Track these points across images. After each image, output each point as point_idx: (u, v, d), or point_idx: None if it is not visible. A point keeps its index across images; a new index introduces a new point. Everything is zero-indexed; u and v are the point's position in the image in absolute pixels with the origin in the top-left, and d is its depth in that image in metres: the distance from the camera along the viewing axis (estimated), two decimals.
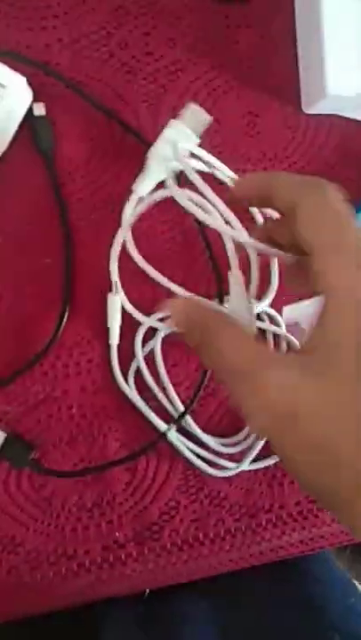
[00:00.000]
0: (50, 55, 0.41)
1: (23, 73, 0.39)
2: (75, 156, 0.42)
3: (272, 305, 0.44)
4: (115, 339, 0.41)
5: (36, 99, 0.40)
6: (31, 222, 0.41)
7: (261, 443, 0.43)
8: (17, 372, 0.40)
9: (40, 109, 0.40)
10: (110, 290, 0.41)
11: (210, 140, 0.44)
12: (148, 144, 0.41)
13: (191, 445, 0.42)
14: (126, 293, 0.42)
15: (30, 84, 0.40)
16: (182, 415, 0.41)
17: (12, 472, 0.41)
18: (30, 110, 0.40)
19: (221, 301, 0.42)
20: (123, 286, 0.42)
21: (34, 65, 0.40)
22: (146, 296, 0.42)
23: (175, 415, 0.42)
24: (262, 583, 0.48)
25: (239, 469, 0.43)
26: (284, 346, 0.44)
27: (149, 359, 0.42)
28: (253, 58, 0.45)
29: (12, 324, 0.40)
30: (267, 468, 0.44)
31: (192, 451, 0.42)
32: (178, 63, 0.44)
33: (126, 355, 0.42)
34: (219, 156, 0.44)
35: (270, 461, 0.44)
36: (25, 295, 0.41)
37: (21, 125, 0.40)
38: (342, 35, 0.42)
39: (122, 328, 0.41)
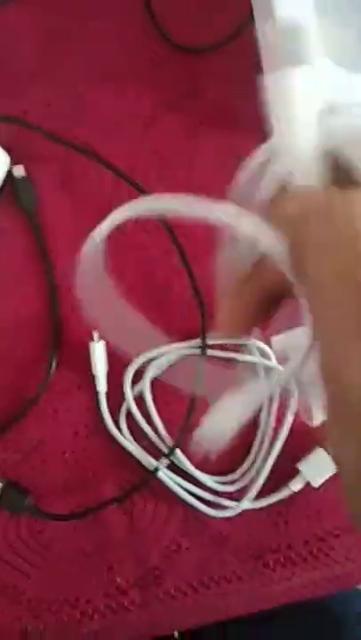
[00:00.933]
0: (28, 115, 0.45)
1: None
2: (58, 211, 0.44)
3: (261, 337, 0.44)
4: (102, 386, 0.42)
5: (14, 162, 0.43)
6: (18, 275, 0.43)
7: (261, 480, 0.42)
8: (11, 420, 0.42)
9: (20, 171, 0.43)
10: (92, 338, 0.42)
11: (188, 186, 0.45)
12: (126, 193, 0.43)
13: (187, 485, 0.42)
14: None
15: (8, 148, 0.43)
16: (172, 450, 0.41)
17: (10, 520, 0.41)
18: (10, 173, 0.43)
19: (204, 340, 0.42)
20: None
21: (10, 122, 0.43)
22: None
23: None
24: (280, 629, 0.46)
25: (240, 509, 0.42)
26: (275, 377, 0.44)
27: (140, 399, 0.43)
28: (227, 107, 0.46)
29: (2, 373, 0.42)
30: (270, 505, 0.43)
31: (188, 491, 0.42)
32: (153, 117, 0.46)
33: (116, 396, 0.43)
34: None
35: (273, 499, 0.42)
36: (14, 344, 0.43)
37: (2, 189, 0.43)
38: None
39: (110, 372, 0.42)
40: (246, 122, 0.46)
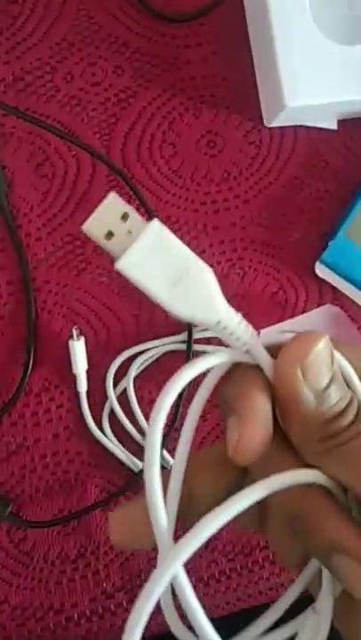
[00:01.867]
0: None
1: None
2: (28, 195, 0.41)
3: None
4: (82, 386, 0.39)
5: None
6: None
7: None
8: None
9: None
10: (71, 336, 0.39)
11: (168, 165, 0.42)
12: (103, 175, 0.40)
13: None
14: (95, 332, 0.40)
15: None
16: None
17: None
18: None
19: (190, 334, 0.40)
20: (90, 325, 0.40)
21: None
22: (114, 334, 0.41)
23: None
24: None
25: None
26: None
27: (124, 398, 0.41)
28: (208, 75, 0.43)
29: None
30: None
31: None
32: (128, 90, 0.42)
33: (98, 396, 0.40)
34: (179, 180, 0.42)
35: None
36: None
37: None
38: (295, 44, 0.40)
39: (90, 370, 0.40)
40: (228, 97, 0.43)
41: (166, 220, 0.42)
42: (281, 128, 0.43)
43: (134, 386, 0.40)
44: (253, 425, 0.19)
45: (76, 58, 0.42)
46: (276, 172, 0.43)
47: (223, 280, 0.42)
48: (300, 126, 0.43)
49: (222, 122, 0.43)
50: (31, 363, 0.39)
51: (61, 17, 0.42)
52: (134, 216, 0.19)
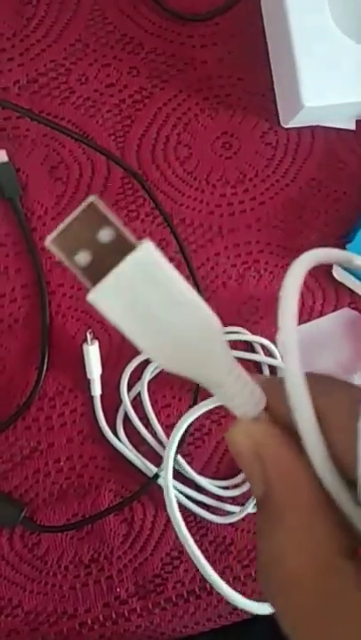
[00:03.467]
0: (8, 98, 0.40)
1: None
2: (43, 198, 0.40)
3: (265, 335, 0.41)
4: (97, 390, 0.39)
5: None
6: (3, 272, 0.40)
7: None
8: (1, 427, 0.39)
9: (2, 156, 0.39)
10: (85, 340, 0.39)
11: (184, 166, 0.42)
12: (117, 177, 0.40)
13: (189, 491, 0.40)
14: (109, 336, 0.40)
15: None
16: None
17: (3, 532, 0.39)
18: None
19: None
20: (104, 328, 0.40)
21: None
22: (127, 340, 0.40)
23: None
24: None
25: (244, 513, 0.40)
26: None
27: (138, 402, 0.40)
28: (224, 76, 0.43)
29: None
30: None
31: (190, 497, 0.40)
32: (143, 91, 0.42)
33: (112, 400, 0.40)
34: (194, 182, 0.42)
35: None
36: (1, 348, 0.39)
37: None
38: (313, 43, 0.39)
39: (104, 374, 0.40)
40: (244, 98, 0.43)
41: (181, 223, 0.41)
42: (298, 129, 0.43)
43: (148, 390, 0.40)
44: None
45: (90, 59, 0.41)
46: (293, 173, 0.43)
47: (239, 283, 0.41)
48: (318, 127, 0.43)
49: (238, 123, 0.43)
50: (45, 367, 0.39)
51: (76, 18, 0.41)
52: (120, 230, 0.14)
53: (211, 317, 0.15)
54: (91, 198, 0.14)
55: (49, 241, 0.14)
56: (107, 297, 0.14)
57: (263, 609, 0.35)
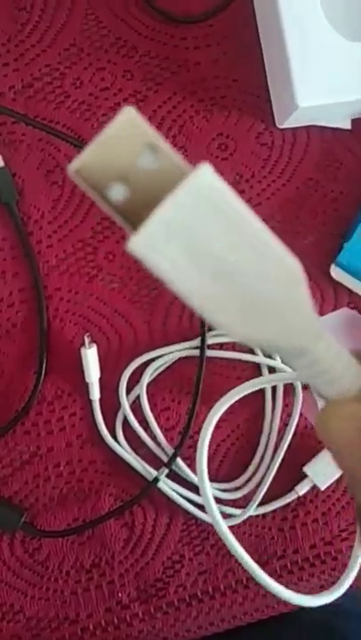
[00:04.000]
0: (3, 103, 0.40)
1: None
2: (39, 202, 0.40)
3: None
4: (95, 394, 0.39)
5: None
6: (0, 276, 0.40)
7: (267, 484, 0.40)
8: (0, 432, 0.39)
9: None
10: (83, 343, 0.39)
11: None
12: None
13: (189, 494, 0.40)
14: (107, 339, 0.40)
15: None
16: (172, 458, 0.39)
17: (3, 538, 0.39)
18: None
19: (203, 340, 0.40)
20: (102, 332, 0.40)
21: None
22: (126, 341, 0.40)
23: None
24: (289, 630, 0.44)
25: (246, 516, 0.40)
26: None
27: (137, 405, 0.40)
28: (218, 77, 0.43)
29: None
30: (275, 510, 0.41)
31: (191, 500, 0.40)
32: (137, 94, 0.42)
33: (111, 404, 0.40)
34: None
35: (279, 503, 0.41)
36: (0, 353, 0.39)
37: None
38: (306, 42, 0.39)
39: (103, 377, 0.39)
40: (239, 99, 0.42)
41: None
42: (293, 129, 0.43)
43: (147, 393, 0.40)
44: None
45: (84, 63, 0.41)
46: (289, 173, 0.43)
47: None
48: (313, 126, 0.43)
49: (233, 124, 0.42)
50: (44, 371, 0.39)
51: (70, 22, 0.41)
52: (167, 152, 0.11)
53: (295, 266, 0.12)
54: (127, 110, 0.10)
55: (73, 169, 0.10)
56: (155, 243, 0.10)
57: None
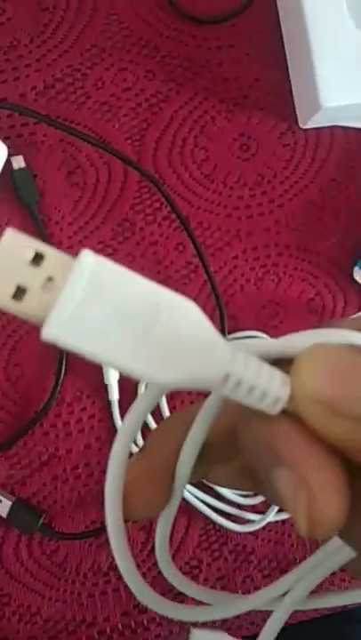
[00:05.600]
0: (25, 104, 0.40)
1: None
2: (60, 203, 0.40)
3: None
4: (114, 394, 0.39)
5: (13, 152, 0.39)
6: None
7: None
8: (18, 434, 0.39)
9: (19, 162, 0.39)
10: None
11: (201, 169, 0.41)
12: (134, 182, 0.40)
13: (208, 499, 0.39)
14: None
15: (7, 137, 0.39)
16: None
17: (21, 539, 0.39)
18: (8, 164, 0.39)
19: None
20: None
21: (5, 107, 0.39)
22: None
23: None
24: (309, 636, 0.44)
25: (265, 522, 0.39)
26: None
27: (156, 408, 0.40)
28: (240, 77, 0.42)
29: (9, 385, 0.39)
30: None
31: (210, 505, 0.39)
32: (159, 95, 0.41)
33: (130, 405, 0.40)
34: (211, 185, 0.41)
35: None
36: (19, 354, 0.39)
37: (1, 180, 0.39)
38: (331, 42, 0.38)
39: (122, 378, 0.39)
40: (261, 99, 0.42)
41: (199, 226, 0.41)
42: (317, 129, 0.42)
43: (166, 395, 0.40)
44: (329, 496, 0.13)
45: (106, 63, 0.41)
46: (312, 174, 0.42)
47: (258, 286, 0.41)
48: (337, 127, 0.42)
49: (256, 124, 0.42)
50: (63, 372, 0.39)
51: (92, 23, 0.41)
52: (50, 253, 0.12)
53: (186, 300, 0.13)
54: (8, 231, 0.13)
55: None
56: (66, 327, 0.12)
57: None
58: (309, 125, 0.42)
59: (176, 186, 0.41)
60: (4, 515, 0.38)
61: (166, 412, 0.39)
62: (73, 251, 0.39)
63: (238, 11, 0.42)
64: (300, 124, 0.42)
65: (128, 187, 0.41)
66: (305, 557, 0.40)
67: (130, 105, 0.41)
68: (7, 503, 0.38)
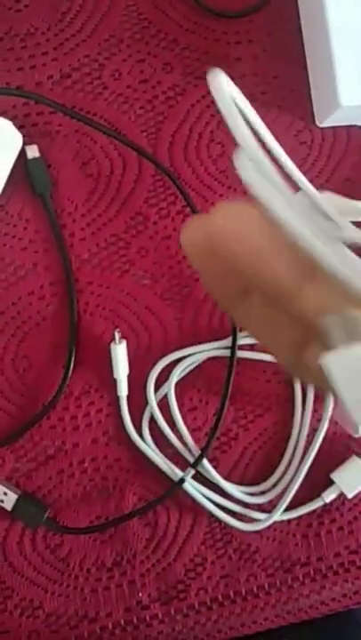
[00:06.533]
0: (41, 92, 0.40)
1: (14, 115, 0.38)
2: (73, 194, 0.40)
3: None
4: (123, 390, 0.38)
5: (28, 141, 0.39)
6: (32, 269, 0.39)
7: (294, 490, 0.39)
8: (24, 427, 0.38)
9: (33, 151, 0.39)
10: (113, 339, 0.38)
11: (216, 165, 0.41)
12: (149, 174, 0.39)
13: (214, 497, 0.39)
14: (136, 335, 0.39)
15: (22, 126, 0.38)
16: (198, 459, 0.38)
17: (26, 532, 0.39)
18: (22, 154, 0.38)
19: (235, 339, 0.39)
20: (132, 327, 0.39)
21: (21, 96, 0.38)
22: (155, 339, 0.40)
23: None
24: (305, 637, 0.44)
25: (271, 521, 0.39)
26: None
27: (164, 404, 0.40)
28: (258, 73, 0.42)
29: (17, 377, 0.39)
30: (300, 517, 0.40)
31: (216, 503, 0.39)
32: (176, 88, 0.41)
33: (138, 401, 0.39)
34: (226, 180, 0.41)
35: (305, 510, 0.40)
36: (28, 345, 0.39)
37: (15, 169, 0.38)
38: (352, 41, 0.38)
39: (131, 374, 0.39)
40: (279, 96, 0.42)
41: None
42: (333, 128, 0.42)
43: (175, 392, 0.39)
44: None
45: (124, 54, 0.41)
46: (328, 173, 0.42)
47: None
48: (354, 126, 0.42)
49: (272, 121, 0.42)
50: (72, 365, 0.39)
51: (110, 13, 0.41)
52: None
53: None
54: None
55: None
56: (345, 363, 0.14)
57: None
58: (326, 124, 0.41)
59: (191, 180, 0.41)
60: (9, 508, 0.37)
61: (175, 409, 0.39)
62: (85, 243, 0.39)
63: (258, 6, 0.42)
64: (318, 123, 0.42)
65: (142, 179, 0.40)
66: (308, 558, 0.40)
67: (146, 97, 0.41)
68: (13, 496, 0.37)
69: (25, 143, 0.38)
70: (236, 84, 0.41)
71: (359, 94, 0.38)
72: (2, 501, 0.37)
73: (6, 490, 0.37)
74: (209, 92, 0.41)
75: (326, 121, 0.41)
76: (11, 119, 0.37)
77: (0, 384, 0.39)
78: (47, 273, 0.39)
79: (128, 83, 0.41)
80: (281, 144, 0.41)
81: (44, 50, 0.40)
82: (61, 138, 0.40)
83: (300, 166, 0.42)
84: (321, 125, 0.42)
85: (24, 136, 0.38)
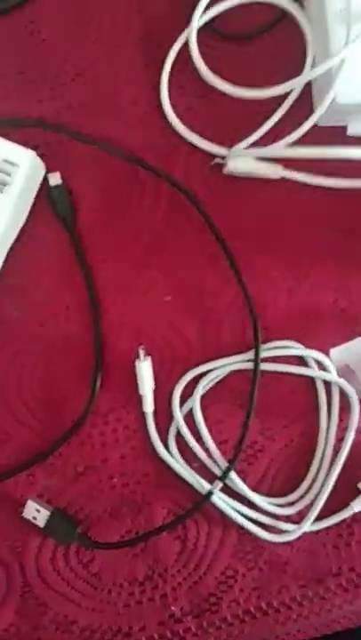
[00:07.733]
0: (62, 121, 0.41)
1: (36, 144, 0.40)
2: (97, 217, 0.41)
3: (319, 348, 0.41)
4: (149, 406, 0.39)
5: (50, 168, 0.40)
6: (57, 291, 0.41)
7: (322, 500, 0.39)
8: (54, 445, 0.39)
9: (56, 179, 0.40)
10: (137, 356, 0.39)
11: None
12: (166, 196, 0.41)
13: (243, 509, 0.39)
14: (160, 351, 0.40)
15: (43, 155, 0.40)
16: (226, 472, 0.39)
17: (58, 548, 0.39)
18: (45, 181, 0.40)
19: (258, 352, 0.39)
20: (155, 344, 0.40)
21: (43, 126, 0.40)
22: (179, 353, 0.41)
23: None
24: None
25: (300, 532, 0.39)
26: (335, 392, 0.41)
27: (190, 418, 0.40)
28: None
29: (45, 396, 0.40)
30: (330, 527, 0.40)
31: (244, 515, 0.39)
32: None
33: (164, 416, 0.40)
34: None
35: (334, 520, 0.40)
36: (55, 365, 0.40)
37: (39, 196, 0.40)
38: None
39: (156, 389, 0.40)
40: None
41: (234, 239, 0.41)
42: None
43: (201, 406, 0.40)
44: None
45: (144, 82, 0.42)
46: None
47: (291, 296, 0.41)
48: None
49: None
50: (98, 383, 0.40)
51: (125, 41, 0.42)
52: None
53: None
54: None
55: None
56: None
57: None
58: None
59: (207, 198, 0.42)
60: (42, 525, 0.38)
61: (201, 423, 0.40)
62: (108, 264, 0.40)
63: (264, 29, 0.43)
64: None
65: (161, 200, 0.41)
66: (340, 568, 0.40)
67: (161, 124, 0.42)
68: (45, 513, 0.38)
69: (47, 171, 0.40)
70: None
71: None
72: (35, 518, 0.38)
73: (39, 507, 0.38)
74: None
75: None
76: (33, 148, 0.38)
77: (28, 403, 0.40)
78: (72, 294, 0.41)
79: (145, 109, 0.42)
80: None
81: (63, 81, 0.42)
82: (82, 164, 0.41)
83: None
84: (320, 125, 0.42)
85: (46, 164, 0.40)
